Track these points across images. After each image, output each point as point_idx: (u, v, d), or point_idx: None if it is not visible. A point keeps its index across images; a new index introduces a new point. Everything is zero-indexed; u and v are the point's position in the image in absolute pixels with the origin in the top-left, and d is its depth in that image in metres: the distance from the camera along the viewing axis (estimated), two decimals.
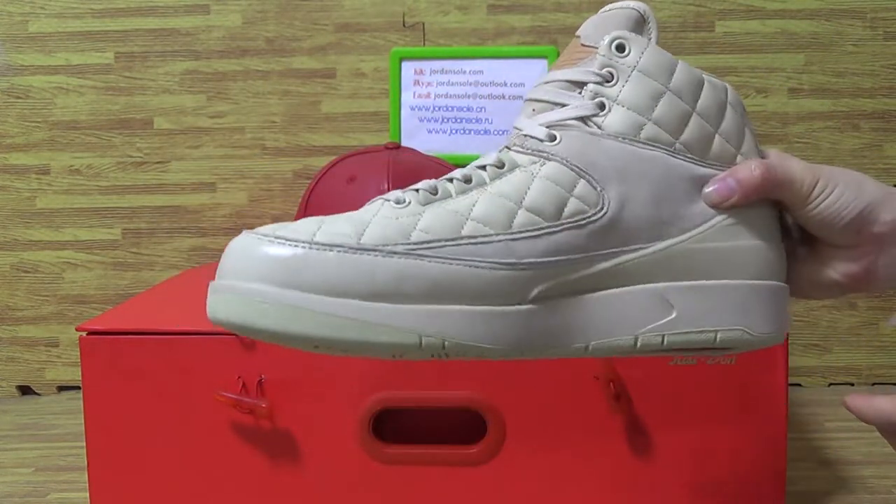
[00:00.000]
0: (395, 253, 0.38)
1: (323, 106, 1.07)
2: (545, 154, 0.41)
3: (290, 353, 0.65)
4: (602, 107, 0.42)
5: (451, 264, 0.38)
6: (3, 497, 0.79)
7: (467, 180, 0.41)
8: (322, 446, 0.65)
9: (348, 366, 0.65)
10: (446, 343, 0.38)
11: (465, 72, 0.91)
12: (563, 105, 0.43)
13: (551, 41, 1.05)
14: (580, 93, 0.43)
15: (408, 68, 0.92)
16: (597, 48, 0.43)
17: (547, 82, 0.44)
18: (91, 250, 1.10)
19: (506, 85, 0.91)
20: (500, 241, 0.39)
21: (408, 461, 0.66)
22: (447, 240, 0.39)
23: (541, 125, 0.43)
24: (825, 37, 1.04)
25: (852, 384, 1.07)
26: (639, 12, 0.44)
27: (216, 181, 1.09)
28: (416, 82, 0.92)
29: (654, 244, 0.42)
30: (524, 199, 0.40)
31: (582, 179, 0.41)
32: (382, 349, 0.38)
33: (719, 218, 0.43)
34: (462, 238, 0.39)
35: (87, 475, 0.67)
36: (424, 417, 0.67)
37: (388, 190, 0.72)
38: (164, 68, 1.07)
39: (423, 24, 1.06)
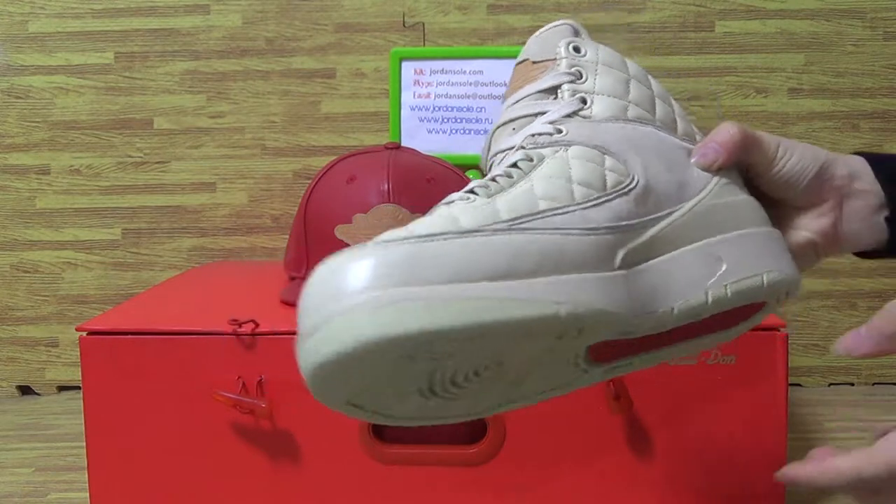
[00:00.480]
0: (498, 231, 0.37)
1: (323, 106, 1.07)
2: (563, 142, 0.43)
3: (290, 353, 0.65)
4: (584, 101, 0.45)
5: (548, 234, 0.38)
6: (3, 497, 0.79)
7: (509, 175, 0.41)
8: (322, 446, 0.65)
9: None
10: (580, 311, 0.37)
11: (465, 72, 0.91)
12: (544, 112, 0.45)
13: None
14: (556, 98, 0.45)
15: (408, 68, 0.92)
16: (553, 59, 0.46)
17: (516, 102, 0.46)
18: (91, 250, 1.10)
19: (506, 85, 0.91)
20: (574, 210, 0.40)
21: (408, 461, 0.66)
22: (532, 214, 0.39)
23: (543, 124, 0.44)
24: (825, 37, 1.04)
25: (852, 384, 1.07)
26: (572, 26, 0.48)
27: (216, 181, 1.09)
28: (416, 82, 0.92)
29: (682, 205, 0.43)
30: (571, 176, 0.41)
31: (606, 155, 0.43)
32: (524, 325, 0.36)
33: (716, 179, 0.45)
34: (543, 211, 0.39)
35: (87, 475, 0.67)
36: None
37: (389, 190, 0.73)
38: (164, 68, 1.07)
39: (423, 24, 1.06)
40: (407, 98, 0.92)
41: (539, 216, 0.39)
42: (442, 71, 0.91)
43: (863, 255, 0.53)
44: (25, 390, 1.11)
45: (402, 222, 0.72)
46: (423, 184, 0.73)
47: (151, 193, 1.09)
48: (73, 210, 1.09)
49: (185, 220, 1.09)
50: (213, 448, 0.66)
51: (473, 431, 0.65)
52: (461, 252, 0.36)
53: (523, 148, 0.43)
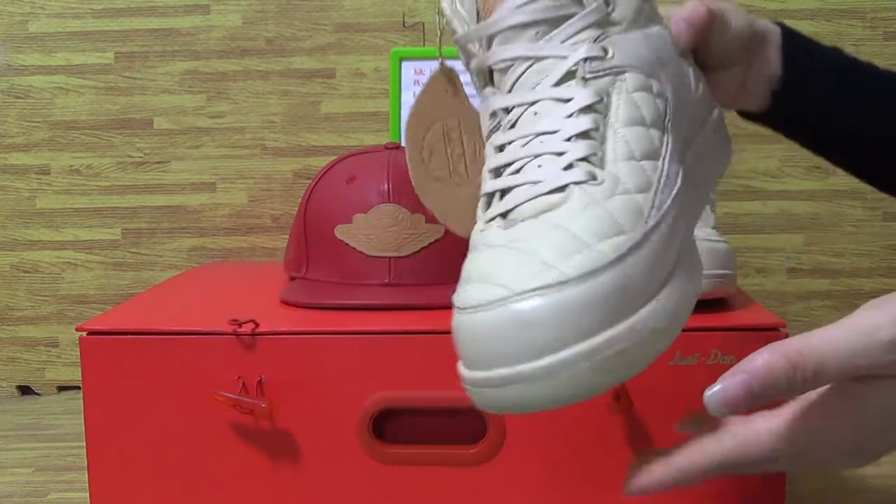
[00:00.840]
0: (648, 237, 0.37)
1: (323, 106, 1.07)
2: (615, 69, 0.41)
3: (290, 353, 0.65)
4: (607, 2, 0.42)
5: (671, 217, 0.39)
6: (3, 497, 0.79)
7: (594, 130, 0.39)
8: (322, 446, 0.65)
9: (348, 366, 0.65)
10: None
11: (465, 72, 0.91)
12: (569, 16, 0.41)
13: None
14: (580, 1, 0.42)
15: (408, 68, 0.92)
16: None
17: (527, 3, 0.41)
18: (91, 250, 1.10)
19: None
20: (666, 161, 0.40)
21: (408, 461, 0.66)
22: (648, 188, 0.38)
23: (578, 42, 0.41)
24: (825, 37, 1.03)
25: None
26: None
27: (216, 181, 1.09)
28: (416, 82, 0.91)
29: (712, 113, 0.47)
30: (644, 118, 0.40)
31: (651, 78, 0.42)
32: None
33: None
34: (652, 185, 0.39)
35: (87, 475, 0.67)
36: (424, 417, 0.67)
37: (389, 190, 0.73)
38: (164, 68, 1.07)
39: (423, 24, 1.06)
40: (407, 98, 0.92)
41: (652, 190, 0.38)
42: None
43: (742, 113, 0.56)
44: (25, 390, 1.11)
45: (401, 222, 0.72)
46: None
47: (151, 193, 1.09)
48: (73, 210, 1.09)
49: (185, 220, 1.09)
50: (213, 448, 0.66)
51: (473, 431, 0.65)
52: (626, 280, 0.35)
53: (584, 79, 0.40)
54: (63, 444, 0.92)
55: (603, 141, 0.39)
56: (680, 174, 0.41)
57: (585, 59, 0.40)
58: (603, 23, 0.42)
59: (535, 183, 0.38)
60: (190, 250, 1.10)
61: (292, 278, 0.78)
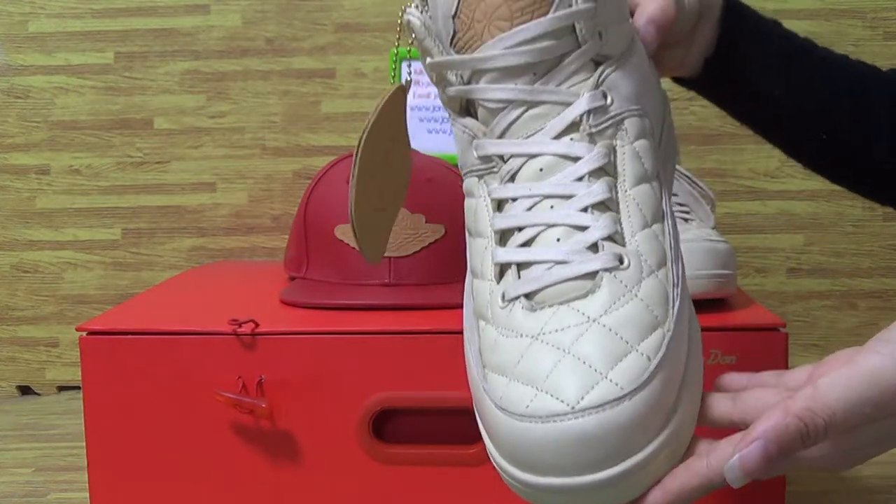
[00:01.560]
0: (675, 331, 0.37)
1: (323, 106, 1.07)
2: (616, 117, 0.39)
3: (290, 353, 0.65)
4: (600, 35, 0.40)
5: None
6: (3, 497, 0.79)
7: (611, 198, 0.38)
8: (322, 446, 0.65)
9: (348, 366, 0.65)
10: None
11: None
12: (566, 54, 0.39)
13: None
14: (573, 36, 0.39)
15: (408, 68, 0.92)
16: None
17: (522, 43, 0.38)
18: (91, 250, 1.10)
19: None
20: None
21: (408, 461, 0.65)
22: (671, 264, 0.39)
23: (577, 85, 0.39)
24: (825, 37, 1.03)
25: None
26: None
27: (216, 181, 1.09)
28: (417, 82, 0.91)
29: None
30: (647, 171, 0.40)
31: (644, 118, 0.41)
32: None
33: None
34: (674, 259, 0.39)
35: (87, 475, 0.67)
36: (424, 417, 0.67)
37: None
38: (164, 68, 1.07)
39: None
40: (407, 98, 0.92)
41: (669, 261, 0.39)
42: None
43: (674, 78, 0.56)
44: (25, 390, 1.11)
45: (401, 222, 0.72)
46: (424, 184, 0.73)
47: (151, 193, 1.09)
48: (73, 210, 1.09)
49: (185, 220, 1.09)
50: (213, 448, 0.65)
51: (473, 431, 0.65)
52: (667, 380, 0.35)
53: (589, 134, 0.39)
54: (63, 444, 0.92)
55: (618, 209, 0.38)
56: (675, 221, 0.41)
57: (589, 112, 0.39)
58: (598, 59, 0.40)
59: (560, 263, 0.37)
60: (190, 250, 1.10)
61: (292, 278, 0.78)
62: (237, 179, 1.08)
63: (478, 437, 0.66)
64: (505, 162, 0.40)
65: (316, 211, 0.76)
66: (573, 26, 0.39)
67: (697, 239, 0.67)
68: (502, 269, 0.39)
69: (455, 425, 0.66)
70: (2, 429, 0.98)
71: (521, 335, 0.37)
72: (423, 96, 0.92)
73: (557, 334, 0.36)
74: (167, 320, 0.67)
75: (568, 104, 0.39)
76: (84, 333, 0.66)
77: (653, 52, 0.46)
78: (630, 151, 0.40)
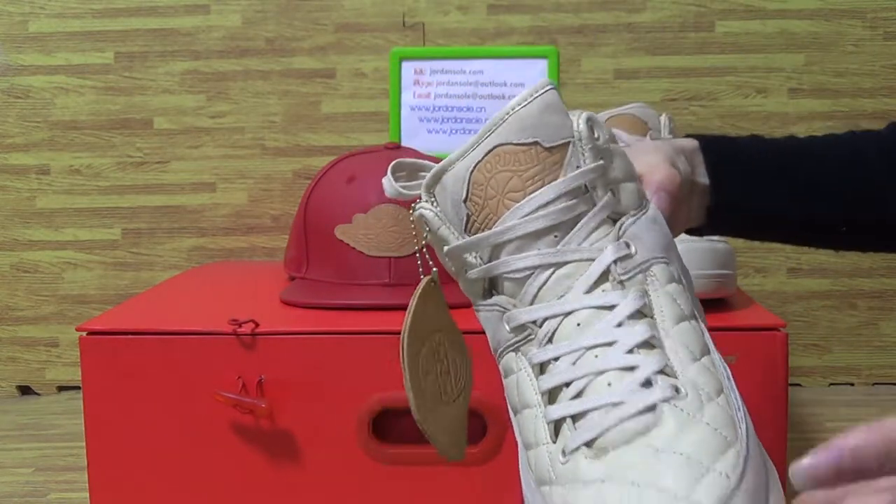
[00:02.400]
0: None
1: (323, 106, 1.07)
2: (642, 265, 0.39)
3: (290, 353, 0.65)
4: (613, 193, 0.40)
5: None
6: (3, 497, 0.79)
7: (654, 336, 0.38)
8: (322, 446, 0.65)
9: (348, 366, 0.65)
10: None
11: (465, 72, 0.91)
12: (582, 214, 0.39)
13: (551, 41, 1.05)
14: (586, 194, 0.39)
15: (408, 68, 0.92)
16: (568, 142, 0.39)
17: (544, 206, 0.39)
18: (91, 250, 1.10)
19: (506, 85, 0.91)
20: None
21: (408, 461, 0.65)
22: (714, 392, 0.38)
23: (599, 241, 0.39)
24: (825, 37, 1.04)
25: (852, 384, 1.07)
26: (556, 89, 0.41)
27: (216, 181, 1.09)
28: (416, 82, 0.91)
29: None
30: (683, 310, 0.39)
31: (671, 265, 0.41)
32: None
33: None
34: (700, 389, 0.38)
35: (87, 475, 0.67)
36: None
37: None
38: (164, 68, 1.07)
39: (423, 24, 1.06)
40: (407, 98, 0.92)
41: (726, 389, 0.38)
42: (442, 71, 0.91)
43: (687, 231, 0.56)
44: (25, 390, 1.11)
45: (401, 222, 0.72)
46: None
47: (151, 193, 1.09)
48: (73, 210, 1.09)
49: (185, 220, 1.09)
50: (213, 448, 0.65)
51: (473, 431, 0.65)
52: (749, 497, 0.35)
53: (620, 282, 0.39)
54: (63, 444, 0.92)
55: (663, 346, 0.38)
56: (720, 356, 0.40)
57: (615, 261, 0.38)
58: (614, 216, 0.40)
59: (616, 405, 0.36)
60: (190, 250, 1.10)
61: (292, 278, 0.78)
62: (237, 179, 1.08)
63: (478, 437, 0.67)
64: (540, 327, 0.39)
65: (316, 211, 0.76)
66: (586, 186, 0.39)
67: (698, 239, 0.67)
68: (557, 427, 0.38)
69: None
70: (2, 429, 0.98)
71: (590, 482, 0.35)
72: (423, 96, 0.92)
73: (628, 471, 0.34)
74: (167, 320, 0.67)
75: (593, 259, 0.39)
76: (84, 333, 0.66)
77: (668, 217, 0.45)
78: (664, 294, 0.39)
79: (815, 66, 1.04)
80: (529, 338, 0.40)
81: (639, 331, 0.37)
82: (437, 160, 0.47)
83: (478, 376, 0.64)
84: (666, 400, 0.36)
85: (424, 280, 0.47)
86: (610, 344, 0.37)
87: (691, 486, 0.33)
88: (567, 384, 0.38)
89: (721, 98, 1.05)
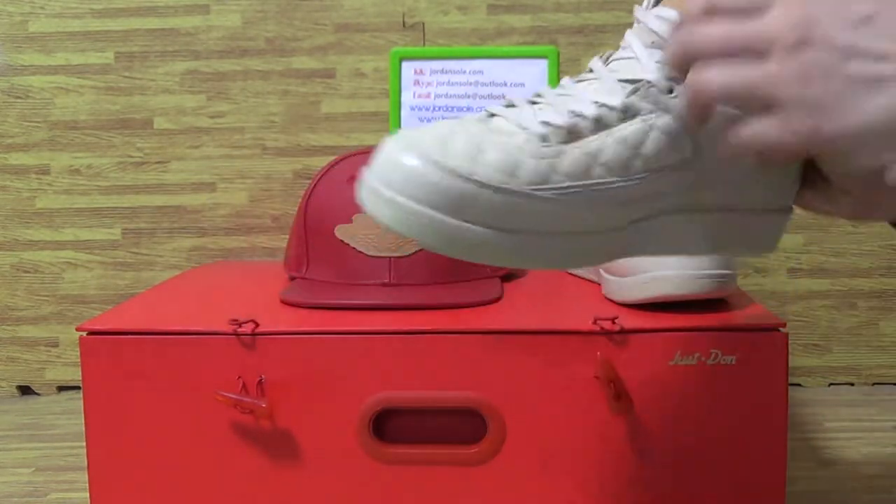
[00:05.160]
0: (546, 196, 0.42)
1: (323, 106, 1.07)
2: (663, 106, 0.44)
3: (290, 353, 0.65)
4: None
5: (573, 205, 0.43)
6: (3, 497, 0.79)
7: (597, 120, 0.44)
8: (322, 446, 0.65)
9: (348, 366, 0.65)
10: None
11: (465, 72, 0.91)
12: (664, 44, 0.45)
13: (551, 41, 1.05)
14: None
15: (408, 68, 0.92)
16: None
17: (666, 18, 0.45)
18: (91, 250, 1.10)
19: (506, 85, 0.91)
20: (617, 186, 0.43)
21: (408, 461, 0.66)
22: (578, 185, 0.43)
23: (660, 70, 0.44)
24: None
25: (852, 384, 1.07)
26: None
27: (216, 181, 1.09)
28: (416, 82, 0.91)
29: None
30: (641, 147, 0.44)
31: (687, 135, 0.44)
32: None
33: None
34: (590, 181, 0.43)
35: (87, 475, 0.67)
36: (424, 417, 0.67)
37: None
38: (164, 68, 1.07)
39: (423, 24, 1.06)
40: (407, 98, 0.92)
41: (581, 185, 0.43)
42: (442, 71, 0.91)
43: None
44: (25, 390, 1.11)
45: None
46: None
47: (151, 193, 1.09)
48: (73, 210, 1.09)
49: (185, 220, 1.09)
50: (213, 448, 0.66)
51: (473, 431, 0.65)
52: (506, 205, 0.42)
53: (634, 94, 0.44)
54: (63, 444, 0.92)
55: (594, 132, 0.44)
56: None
57: (650, 83, 0.44)
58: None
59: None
60: (190, 250, 1.10)
61: (292, 278, 0.78)
62: (237, 179, 1.08)
63: (478, 437, 0.67)
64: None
65: (316, 211, 0.76)
66: None
67: None
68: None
69: (455, 425, 0.66)
70: (2, 429, 0.98)
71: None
72: (423, 96, 0.92)
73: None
74: (167, 320, 0.67)
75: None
76: (84, 333, 0.66)
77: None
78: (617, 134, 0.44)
79: None
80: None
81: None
82: None
83: (478, 376, 0.64)
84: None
85: None
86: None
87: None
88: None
89: None
